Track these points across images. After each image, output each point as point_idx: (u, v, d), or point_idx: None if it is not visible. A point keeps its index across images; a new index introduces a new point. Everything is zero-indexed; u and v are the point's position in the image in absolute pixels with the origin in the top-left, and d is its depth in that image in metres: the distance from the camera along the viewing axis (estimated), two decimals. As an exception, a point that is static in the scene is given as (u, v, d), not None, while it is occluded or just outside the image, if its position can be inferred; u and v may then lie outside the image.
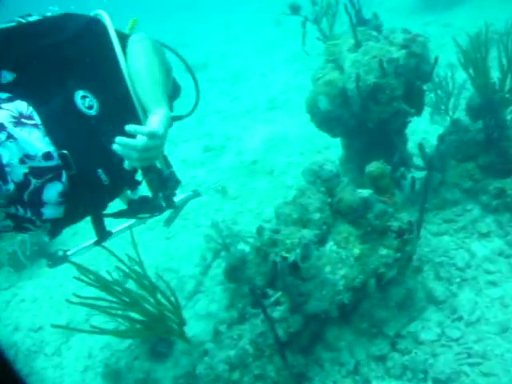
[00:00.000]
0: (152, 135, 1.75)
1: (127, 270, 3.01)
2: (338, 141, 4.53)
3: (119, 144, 1.73)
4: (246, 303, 3.23)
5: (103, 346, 4.14)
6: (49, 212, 1.87)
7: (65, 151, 1.81)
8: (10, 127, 1.71)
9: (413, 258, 3.17)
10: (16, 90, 1.85)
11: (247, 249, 3.43)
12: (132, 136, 1.76)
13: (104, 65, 2.04)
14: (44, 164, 1.78)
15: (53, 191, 1.83)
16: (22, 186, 1.74)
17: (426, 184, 3.45)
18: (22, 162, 1.73)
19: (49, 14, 2.07)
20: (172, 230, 5.29)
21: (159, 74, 2.03)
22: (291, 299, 2.86)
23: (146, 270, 3.15)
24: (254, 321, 3.01)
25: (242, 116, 8.24)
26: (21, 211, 1.80)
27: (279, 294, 3.07)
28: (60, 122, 1.86)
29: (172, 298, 3.03)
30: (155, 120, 1.86)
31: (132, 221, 2.95)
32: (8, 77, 1.87)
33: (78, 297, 2.88)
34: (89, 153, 1.93)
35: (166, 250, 5.17)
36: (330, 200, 2.96)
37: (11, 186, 1.70)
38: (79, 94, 1.92)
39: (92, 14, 2.18)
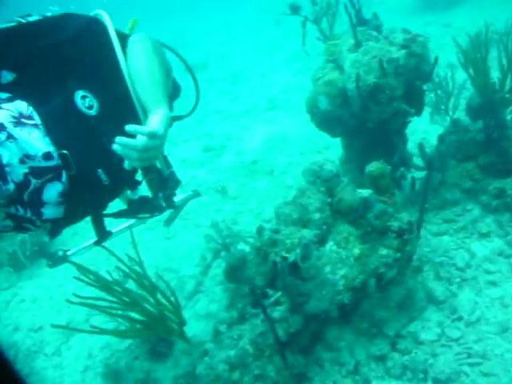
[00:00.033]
0: (152, 135, 1.76)
1: (127, 270, 3.01)
2: (337, 141, 4.53)
3: (119, 144, 1.73)
4: (246, 303, 3.23)
5: (103, 346, 4.14)
6: (49, 212, 1.87)
7: (65, 151, 1.81)
8: (10, 127, 1.71)
9: (413, 258, 3.17)
10: (16, 90, 1.85)
11: (247, 249, 3.43)
12: (132, 136, 1.76)
13: (104, 65, 2.04)
14: (44, 164, 1.78)
15: (53, 191, 1.83)
16: (22, 186, 1.74)
17: (426, 184, 3.45)
18: (22, 161, 1.73)
19: (49, 13, 2.07)
20: (172, 230, 5.29)
21: (159, 74, 2.03)
22: (291, 299, 2.87)
23: (146, 270, 3.15)
24: (254, 321, 3.01)
25: (242, 116, 8.24)
26: (21, 211, 1.79)
27: (279, 293, 3.07)
28: (60, 122, 1.86)
29: (172, 298, 3.03)
30: (155, 120, 1.86)
31: (132, 221, 2.95)
32: (8, 77, 1.87)
33: (78, 297, 2.88)
34: (89, 153, 1.92)
35: (166, 249, 5.17)
36: (329, 200, 2.96)
37: (11, 186, 1.70)
38: (79, 93, 1.92)
39: (92, 14, 2.18)
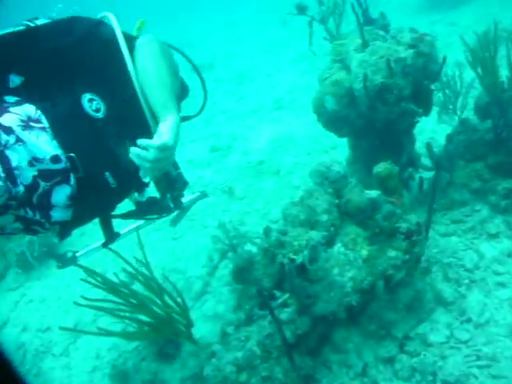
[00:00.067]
0: (162, 148, 1.81)
1: (134, 272, 3.01)
2: (344, 141, 4.52)
3: (132, 154, 1.81)
4: (253, 305, 3.22)
5: (111, 347, 4.15)
6: (57, 215, 1.88)
7: (72, 154, 1.82)
8: (18, 130, 1.73)
9: (421, 259, 3.16)
10: (24, 94, 1.86)
11: (254, 250, 3.42)
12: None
13: (111, 67, 2.04)
14: (52, 167, 1.80)
15: (61, 194, 1.84)
16: (31, 188, 1.76)
17: (434, 184, 3.43)
18: (30, 164, 1.74)
19: (54, 14, 2.08)
20: (179, 231, 5.30)
21: (167, 77, 2.03)
22: (299, 301, 2.86)
23: (153, 272, 3.15)
24: (262, 322, 3.00)
25: (249, 116, 8.23)
26: (30, 213, 1.81)
27: (287, 295, 3.06)
28: (67, 125, 1.87)
29: (179, 300, 3.03)
30: (165, 129, 1.90)
31: (140, 222, 2.95)
32: (16, 80, 1.88)
33: (86, 299, 2.88)
34: (96, 156, 1.93)
35: (173, 250, 5.17)
36: (337, 201, 2.95)
37: (21, 189, 1.71)
38: (86, 96, 1.93)
39: (99, 16, 2.18)
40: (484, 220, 3.71)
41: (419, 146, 4.34)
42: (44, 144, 1.78)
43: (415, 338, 3.03)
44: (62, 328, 3.16)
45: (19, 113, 1.78)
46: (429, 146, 3.92)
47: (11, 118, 1.75)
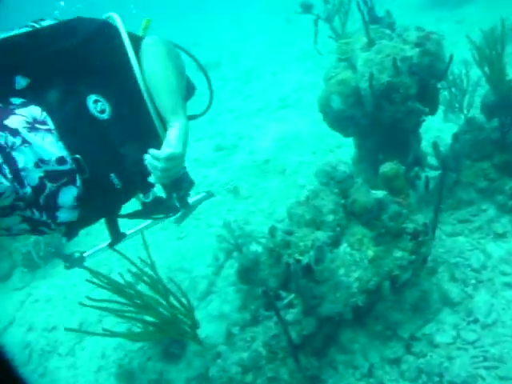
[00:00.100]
0: (170, 158, 1.88)
1: (139, 273, 3.01)
2: (350, 139, 4.50)
3: (147, 162, 1.91)
4: (258, 305, 3.21)
5: (116, 347, 4.16)
6: (63, 216, 1.90)
7: (77, 156, 1.82)
8: (24, 132, 1.74)
9: (427, 260, 3.14)
10: (30, 95, 1.87)
11: (259, 249, 3.41)
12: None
13: (117, 68, 2.04)
14: (58, 168, 1.80)
15: (68, 195, 1.85)
16: (37, 189, 1.77)
17: (441, 184, 3.41)
18: (37, 166, 1.75)
19: (56, 11, 2.08)
20: (184, 230, 5.30)
21: (174, 80, 2.04)
22: (305, 302, 2.84)
23: (158, 273, 3.15)
24: (267, 323, 3.00)
25: (254, 115, 8.22)
26: (36, 214, 1.82)
27: (292, 296, 3.05)
28: (73, 127, 1.87)
29: (184, 301, 3.02)
30: (173, 137, 1.94)
31: (147, 222, 2.96)
32: (22, 82, 1.89)
33: (91, 299, 2.89)
34: (101, 157, 1.93)
35: (178, 250, 5.17)
36: (343, 201, 2.93)
37: (28, 190, 1.73)
38: (91, 98, 1.93)
39: (104, 16, 2.17)
40: (491, 220, 3.68)
41: (425, 145, 4.31)
42: (50, 146, 1.78)
43: (421, 339, 3.01)
44: (67, 329, 3.15)
45: (25, 114, 1.79)
46: (435, 146, 3.89)
47: (17, 120, 1.75)
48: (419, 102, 3.61)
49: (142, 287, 3.27)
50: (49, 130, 1.81)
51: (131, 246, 3.77)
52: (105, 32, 2.07)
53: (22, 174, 1.70)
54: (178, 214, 2.77)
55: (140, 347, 3.67)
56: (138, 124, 2.05)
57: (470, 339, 2.93)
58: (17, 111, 1.79)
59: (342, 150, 5.77)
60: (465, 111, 4.88)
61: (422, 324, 3.07)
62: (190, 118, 2.44)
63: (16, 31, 1.90)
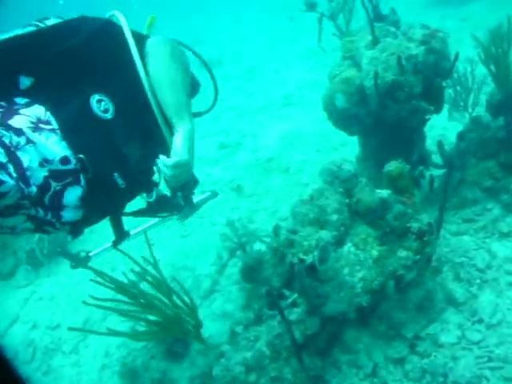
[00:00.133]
0: (177, 166, 1.96)
1: (142, 273, 3.00)
2: (354, 137, 4.48)
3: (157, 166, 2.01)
4: (262, 304, 3.20)
5: (120, 345, 4.16)
6: (68, 215, 1.90)
7: (81, 155, 1.82)
8: (28, 132, 1.74)
9: (432, 259, 3.12)
10: (34, 95, 1.86)
11: (263, 248, 3.40)
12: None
13: (120, 67, 2.03)
14: (62, 168, 1.80)
15: (73, 195, 1.85)
16: (42, 188, 1.77)
17: (446, 183, 3.38)
18: (41, 165, 1.75)
19: (57, 8, 2.08)
20: (188, 229, 5.30)
21: (180, 83, 2.06)
22: (308, 301, 2.83)
23: (161, 272, 3.14)
24: (271, 322, 2.99)
25: (258, 113, 8.19)
26: (41, 213, 1.82)
27: (296, 295, 3.04)
28: (76, 127, 1.87)
29: (188, 300, 3.02)
30: (179, 144, 2.01)
31: (152, 222, 2.97)
32: (26, 82, 1.88)
33: (95, 298, 2.89)
34: (104, 156, 1.93)
35: (182, 248, 5.16)
36: (347, 201, 2.92)
37: (34, 189, 1.73)
38: (95, 97, 1.92)
39: (107, 15, 2.16)
40: (496, 219, 3.66)
41: (429, 143, 4.29)
42: (54, 145, 1.78)
43: (426, 339, 3.00)
44: (70, 328, 3.16)
45: (29, 114, 1.79)
46: (440, 145, 3.87)
47: (21, 120, 1.75)
48: (424, 100, 3.59)
49: (145, 286, 3.27)
50: (53, 130, 1.81)
51: (135, 244, 3.75)
52: (108, 31, 2.06)
53: (27, 173, 1.70)
54: (183, 212, 2.77)
55: (143, 346, 3.68)
56: (141, 123, 2.05)
57: (475, 339, 2.92)
58: (21, 111, 1.79)
59: (346, 148, 5.75)
60: (470, 110, 4.85)
61: (426, 324, 3.06)
62: (195, 115, 2.44)
63: (20, 31, 1.90)
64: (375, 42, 3.73)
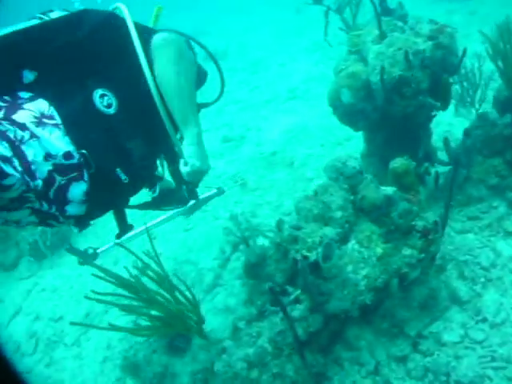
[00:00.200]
0: (191, 174, 2.14)
1: (145, 269, 2.99)
2: (359, 133, 4.44)
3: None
4: (265, 300, 3.18)
5: (122, 338, 4.16)
6: (72, 209, 1.91)
7: (83, 151, 1.81)
8: (32, 127, 1.74)
9: (436, 257, 3.10)
10: (37, 89, 1.86)
11: (266, 243, 3.38)
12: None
13: (124, 61, 2.01)
14: (65, 162, 1.80)
15: (78, 190, 1.86)
16: (47, 182, 1.78)
17: (452, 180, 3.35)
18: (45, 159, 1.76)
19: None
20: (191, 222, 5.27)
21: (186, 87, 2.08)
22: (312, 298, 2.82)
23: (164, 267, 3.13)
24: (273, 318, 2.97)
25: (262, 106, 8.15)
26: (45, 206, 1.82)
27: (299, 291, 3.02)
28: (79, 122, 1.87)
29: (190, 296, 3.01)
30: (189, 153, 2.12)
31: (161, 218, 3.01)
32: (29, 76, 1.88)
33: (97, 293, 2.88)
34: (107, 152, 1.93)
35: (185, 241, 5.15)
36: (352, 197, 2.90)
37: (39, 182, 1.74)
38: (98, 92, 1.92)
39: (111, 8, 2.14)
40: (501, 217, 3.63)
41: (435, 139, 4.25)
42: (57, 140, 1.79)
43: (429, 337, 2.99)
44: (72, 323, 3.16)
45: (33, 109, 1.79)
46: (446, 141, 3.83)
47: (25, 115, 1.76)
48: (431, 96, 3.55)
49: (147, 280, 3.26)
50: (56, 125, 1.81)
51: (138, 238, 3.75)
52: (111, 24, 2.04)
53: (32, 167, 1.71)
54: (188, 206, 2.79)
55: (145, 339, 3.67)
56: (145, 119, 2.04)
57: (478, 338, 2.90)
58: (25, 106, 1.79)
59: (351, 143, 5.72)
60: (477, 106, 4.81)
61: (429, 322, 3.05)
62: (202, 105, 2.43)
63: (24, 24, 1.89)
64: (382, 36, 3.68)
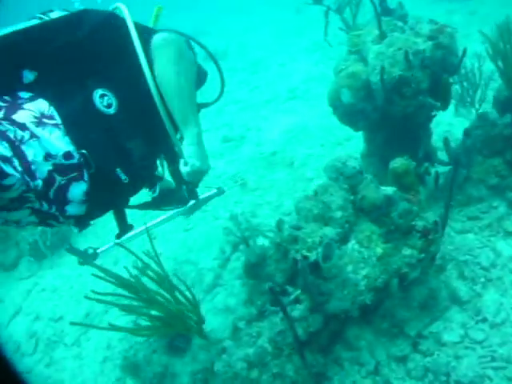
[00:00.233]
0: (191, 174, 2.15)
1: (145, 269, 2.99)
2: (359, 133, 4.45)
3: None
4: (265, 300, 3.18)
5: (122, 338, 4.16)
6: (72, 209, 1.92)
7: (83, 151, 1.81)
8: (32, 127, 1.74)
9: (436, 257, 3.10)
10: (37, 89, 1.86)
11: (266, 243, 3.38)
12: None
13: (124, 62, 2.01)
14: (65, 162, 1.80)
15: (78, 190, 1.86)
16: (47, 182, 1.78)
17: (452, 180, 3.35)
18: (45, 159, 1.76)
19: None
20: (191, 222, 5.27)
21: (186, 88, 2.09)
22: (311, 298, 2.82)
23: (164, 267, 3.13)
24: (273, 318, 2.97)
25: (262, 106, 8.14)
26: (45, 206, 1.82)
27: (298, 291, 3.02)
28: (79, 122, 1.87)
29: (190, 296, 3.01)
30: (189, 153, 2.12)
31: (161, 217, 3.01)
32: (29, 76, 1.89)
33: (97, 293, 2.88)
34: (106, 152, 1.93)
35: (185, 241, 5.15)
36: (352, 197, 2.90)
37: (39, 182, 1.74)
38: (98, 92, 1.92)
39: (111, 7, 2.14)
40: (501, 217, 3.63)
41: (435, 139, 4.25)
42: (57, 140, 1.79)
43: (429, 337, 2.99)
44: (72, 323, 3.16)
45: (33, 109, 1.79)
46: (446, 141, 3.83)
47: (25, 115, 1.76)
48: (431, 96, 3.55)
49: (147, 280, 3.26)
50: (56, 125, 1.81)
51: (138, 238, 3.75)
52: (111, 24, 2.04)
53: (32, 167, 1.72)
54: (188, 206, 2.79)
55: (145, 339, 3.67)
56: (145, 119, 2.04)
57: (478, 338, 2.90)
58: (25, 106, 1.80)
59: (351, 143, 5.72)
60: (477, 106, 4.81)
61: (429, 322, 3.04)
62: (202, 106, 2.43)
63: (24, 24, 1.89)
64: (382, 36, 3.68)
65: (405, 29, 3.76)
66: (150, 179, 2.29)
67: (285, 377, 2.77)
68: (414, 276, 2.85)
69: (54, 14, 1.99)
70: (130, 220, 2.49)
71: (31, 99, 1.83)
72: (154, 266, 2.98)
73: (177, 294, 2.97)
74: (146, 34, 2.07)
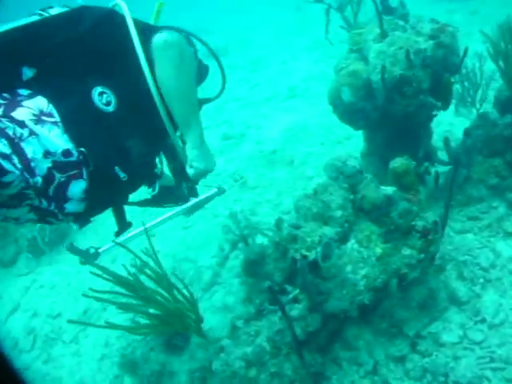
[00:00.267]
0: (195, 176, 2.24)
1: (142, 266, 2.99)
2: (359, 131, 4.43)
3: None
4: (263, 299, 3.18)
5: (120, 335, 4.16)
6: (71, 207, 1.91)
7: (82, 149, 1.81)
8: (31, 125, 1.73)
9: (435, 257, 3.09)
10: (36, 87, 1.85)
11: (265, 241, 3.38)
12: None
13: (123, 60, 2.00)
14: (64, 160, 1.79)
15: (77, 188, 1.86)
16: (47, 180, 1.77)
17: (452, 180, 3.34)
18: (45, 156, 1.76)
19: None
20: (190, 220, 5.26)
21: (187, 90, 2.09)
22: (310, 298, 2.81)
23: (162, 265, 3.12)
24: (272, 317, 2.96)
25: (262, 104, 8.13)
26: (44, 204, 1.82)
27: (297, 290, 3.01)
28: (77, 120, 1.86)
29: (188, 295, 3.00)
30: (192, 155, 2.18)
31: (163, 217, 3.02)
32: (28, 73, 1.88)
33: (95, 291, 2.87)
34: (105, 150, 1.92)
35: (184, 239, 5.14)
36: (352, 197, 2.89)
37: (39, 179, 1.73)
38: (97, 90, 1.91)
39: (110, 4, 2.13)
40: (501, 217, 3.62)
41: (435, 139, 4.24)
42: (56, 138, 1.78)
43: (427, 337, 2.98)
44: (70, 321, 3.15)
45: (31, 107, 1.79)
46: (446, 141, 3.83)
47: (24, 112, 1.76)
48: (432, 95, 3.54)
49: (145, 278, 3.25)
50: (55, 123, 1.80)
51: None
52: (111, 21, 2.02)
53: (32, 164, 1.71)
54: (187, 204, 2.79)
55: (143, 337, 3.66)
56: (144, 117, 2.03)
57: (477, 339, 2.89)
58: (24, 103, 1.79)
59: (351, 142, 5.71)
60: (477, 105, 4.79)
61: (428, 322, 3.04)
62: (203, 101, 2.43)
63: (23, 21, 1.87)
64: (383, 35, 3.67)
65: (406, 28, 3.74)
66: (148, 177, 2.28)
67: (283, 376, 2.76)
68: (414, 276, 2.85)
69: (54, 11, 1.98)
70: (129, 217, 2.49)
71: (30, 96, 1.82)
72: (152, 264, 2.97)
73: (175, 292, 2.96)
74: (146, 31, 2.05)
